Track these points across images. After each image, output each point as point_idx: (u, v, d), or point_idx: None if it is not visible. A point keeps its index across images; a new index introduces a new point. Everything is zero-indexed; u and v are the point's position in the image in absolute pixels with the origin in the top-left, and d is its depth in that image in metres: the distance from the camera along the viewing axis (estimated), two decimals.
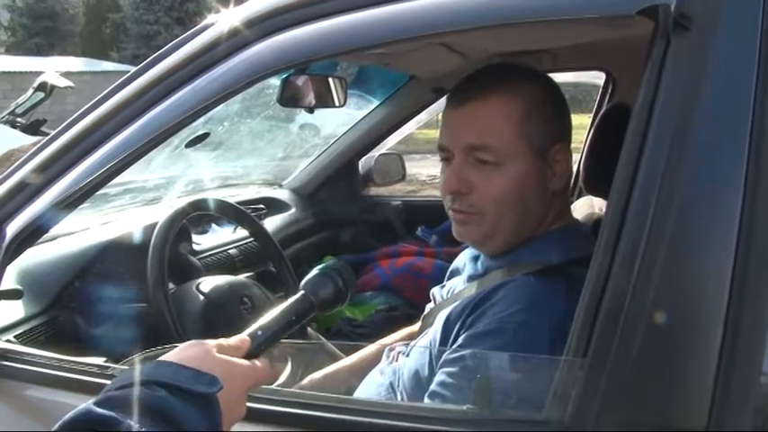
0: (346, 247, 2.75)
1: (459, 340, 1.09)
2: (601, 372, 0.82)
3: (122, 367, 1.08)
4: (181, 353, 0.81)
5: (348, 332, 2.14)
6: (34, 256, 1.61)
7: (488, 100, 1.16)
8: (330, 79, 2.13)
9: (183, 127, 1.16)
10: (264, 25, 1.07)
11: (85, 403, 0.71)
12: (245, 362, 0.84)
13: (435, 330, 1.17)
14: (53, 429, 0.69)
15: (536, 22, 1.02)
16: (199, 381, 0.75)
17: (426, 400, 1.07)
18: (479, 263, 1.25)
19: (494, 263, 1.21)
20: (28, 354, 1.21)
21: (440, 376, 1.08)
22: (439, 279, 1.40)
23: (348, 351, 1.46)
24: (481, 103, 1.16)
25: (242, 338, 0.87)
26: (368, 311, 2.33)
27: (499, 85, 1.18)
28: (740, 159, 0.80)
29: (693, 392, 0.80)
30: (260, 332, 0.89)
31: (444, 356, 1.09)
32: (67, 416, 0.70)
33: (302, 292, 0.97)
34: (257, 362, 0.86)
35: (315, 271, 1.01)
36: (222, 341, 0.84)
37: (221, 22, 1.13)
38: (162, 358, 0.80)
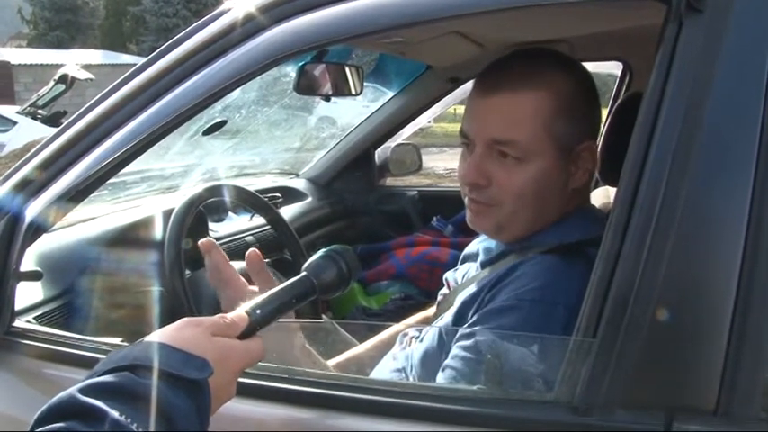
0: (362, 237, 2.76)
1: (476, 316, 1.08)
2: (610, 352, 0.82)
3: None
4: (175, 332, 0.78)
5: (363, 320, 2.15)
6: (54, 241, 1.63)
7: (517, 93, 1.11)
8: (346, 68, 2.14)
9: (200, 111, 1.17)
10: (279, 10, 1.08)
11: (70, 389, 0.68)
12: (238, 343, 0.83)
13: (450, 314, 1.16)
14: (36, 416, 0.66)
15: (550, 6, 1.01)
16: (189, 365, 0.74)
17: (440, 373, 1.06)
18: (494, 247, 1.24)
19: (508, 248, 1.20)
20: (46, 333, 1.23)
21: (454, 350, 1.06)
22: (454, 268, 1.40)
23: (363, 333, 1.46)
24: (510, 95, 1.11)
25: (240, 315, 0.85)
26: (383, 300, 2.34)
27: (530, 77, 1.12)
28: (751, 142, 0.80)
29: (702, 373, 0.80)
30: (258, 311, 0.86)
31: (460, 331, 1.07)
32: (52, 401, 0.67)
33: (304, 273, 0.95)
34: (251, 342, 0.84)
35: (318, 253, 0.99)
36: (218, 319, 0.82)
37: (237, 7, 1.13)
38: (157, 334, 0.78)
